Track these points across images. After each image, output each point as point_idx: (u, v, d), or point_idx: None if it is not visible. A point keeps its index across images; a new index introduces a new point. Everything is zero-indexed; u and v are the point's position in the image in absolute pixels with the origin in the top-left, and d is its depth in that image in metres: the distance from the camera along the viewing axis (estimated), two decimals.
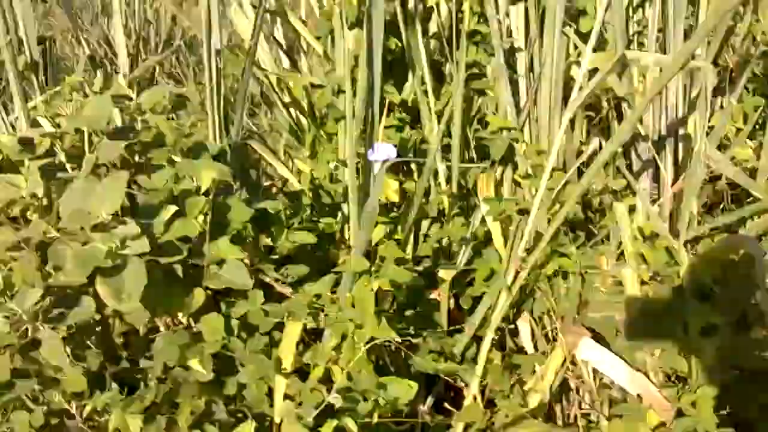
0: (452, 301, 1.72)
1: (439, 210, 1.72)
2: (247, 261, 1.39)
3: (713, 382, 1.20)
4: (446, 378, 1.53)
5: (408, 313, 1.61)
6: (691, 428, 1.18)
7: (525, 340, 1.58)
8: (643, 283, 1.33)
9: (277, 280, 1.44)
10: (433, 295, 1.66)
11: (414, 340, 1.44)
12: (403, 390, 1.33)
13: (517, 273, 1.38)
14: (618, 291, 1.37)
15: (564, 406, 1.54)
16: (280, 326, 1.44)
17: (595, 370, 1.43)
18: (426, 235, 1.78)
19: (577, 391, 1.51)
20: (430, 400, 1.58)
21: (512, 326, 1.62)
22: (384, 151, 1.44)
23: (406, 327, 1.58)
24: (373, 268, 1.35)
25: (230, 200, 1.31)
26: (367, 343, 1.35)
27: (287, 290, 1.43)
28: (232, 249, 1.30)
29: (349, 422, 1.17)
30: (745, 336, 1.41)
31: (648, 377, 1.33)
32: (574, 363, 1.55)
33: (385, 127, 1.78)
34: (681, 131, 1.45)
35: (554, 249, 1.47)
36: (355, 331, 1.36)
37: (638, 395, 1.31)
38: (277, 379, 1.40)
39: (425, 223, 1.75)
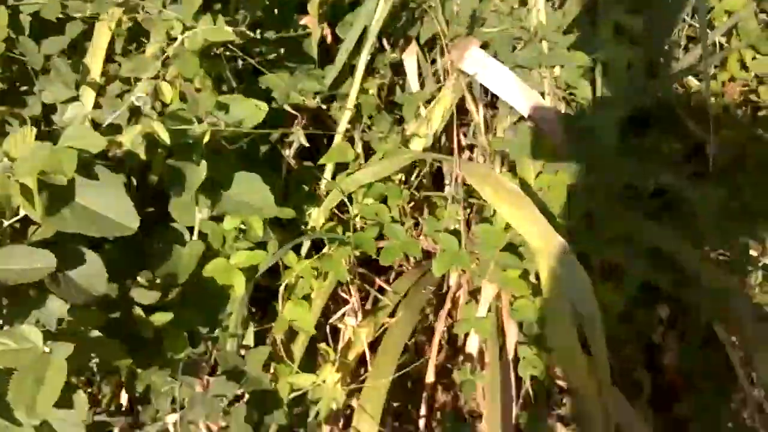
0: (329, 31, 1.40)
1: None
2: None
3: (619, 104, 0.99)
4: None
5: (270, 34, 1.28)
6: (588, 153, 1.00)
7: (411, 77, 1.31)
8: None
9: None
10: (304, 21, 1.33)
11: (270, 57, 1.13)
12: (249, 110, 1.05)
13: None
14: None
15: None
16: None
17: (486, 106, 1.20)
18: None
19: (465, 134, 1.29)
20: (295, 145, 1.32)
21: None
22: None
23: (269, 51, 1.27)
24: None
25: None
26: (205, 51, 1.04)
27: None
28: None
29: (158, 128, 0.88)
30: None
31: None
32: (465, 110, 1.32)
33: None
34: None
35: None
36: (185, 32, 1.02)
37: (530, 118, 1.08)
38: (83, 89, 1.07)
39: None
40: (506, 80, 1.08)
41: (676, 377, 1.29)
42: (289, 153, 1.30)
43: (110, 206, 0.89)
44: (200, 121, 1.03)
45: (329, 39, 1.41)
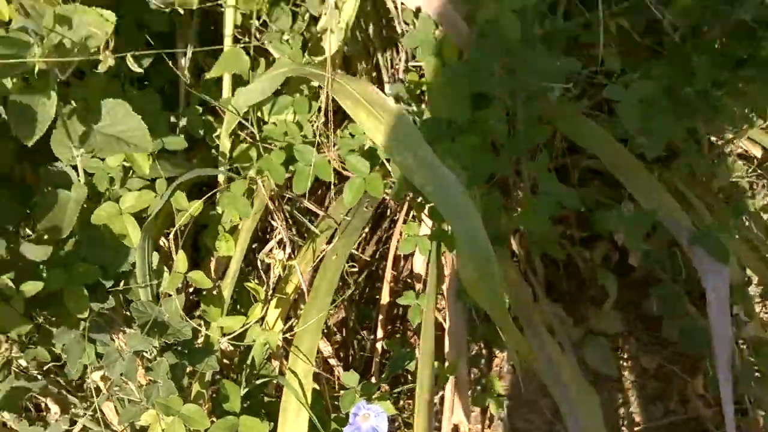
0: None
1: None
2: None
3: None
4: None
5: None
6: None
7: None
8: None
9: None
10: None
11: None
12: (93, 22, 0.86)
13: None
14: None
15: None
16: None
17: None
18: None
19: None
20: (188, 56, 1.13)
21: None
22: None
23: None
24: None
25: None
26: None
27: None
28: None
29: None
30: None
31: None
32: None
33: None
34: None
35: None
36: None
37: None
38: None
39: None
40: None
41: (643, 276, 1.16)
42: (183, 64, 1.11)
43: None
44: (42, 40, 0.86)
45: None
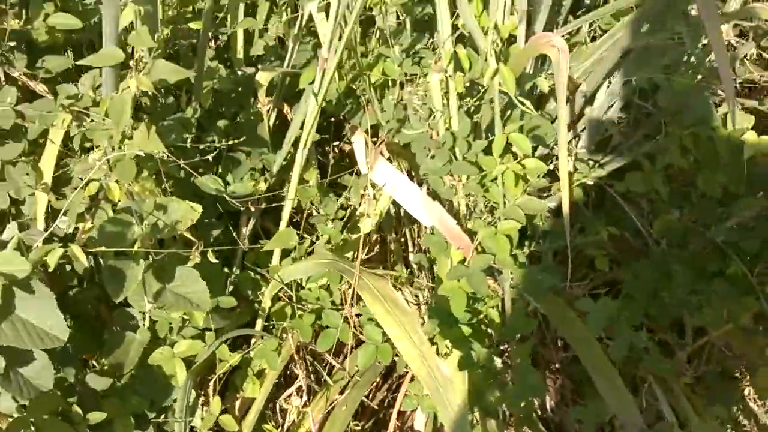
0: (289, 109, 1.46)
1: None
2: None
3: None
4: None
5: (221, 123, 1.35)
6: (487, 264, 1.01)
7: (359, 157, 1.34)
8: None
9: (30, 74, 1.13)
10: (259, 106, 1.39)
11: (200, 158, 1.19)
12: (184, 211, 1.10)
13: (326, 72, 1.10)
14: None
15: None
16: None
17: None
18: (265, 30, 1.47)
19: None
20: (248, 228, 1.38)
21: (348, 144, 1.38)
22: None
23: (219, 140, 1.33)
24: (132, 63, 1.05)
25: None
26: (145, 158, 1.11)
27: (41, 87, 1.13)
28: None
29: (76, 251, 0.95)
30: None
31: (456, 207, 1.14)
32: None
33: None
34: None
35: (380, 53, 1.20)
36: (124, 141, 1.09)
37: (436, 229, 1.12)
38: (37, 195, 1.15)
39: (263, 6, 1.44)
40: (410, 193, 1.12)
41: None
42: (244, 233, 1.36)
43: (44, 318, 0.96)
44: (142, 220, 1.10)
45: (290, 116, 1.47)
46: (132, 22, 1.04)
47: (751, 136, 1.20)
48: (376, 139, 1.29)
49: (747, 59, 1.53)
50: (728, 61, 1.01)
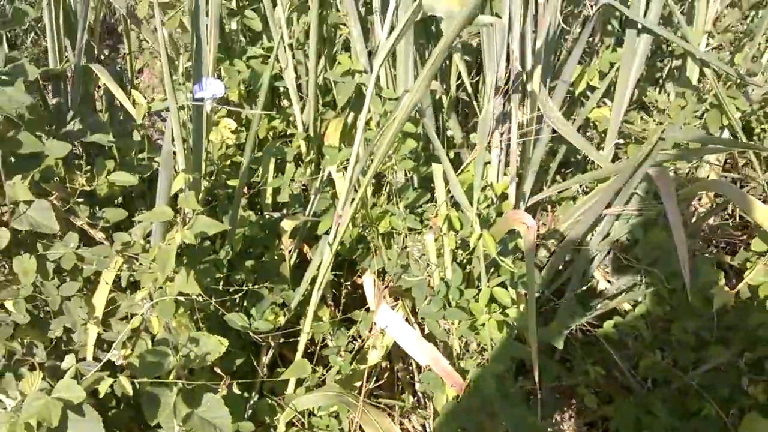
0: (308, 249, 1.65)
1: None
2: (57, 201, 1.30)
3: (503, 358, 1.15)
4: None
5: (249, 263, 1.53)
6: (476, 405, 1.14)
7: (369, 295, 1.51)
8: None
9: (91, 224, 1.34)
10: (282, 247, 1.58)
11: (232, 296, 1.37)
12: (213, 344, 1.27)
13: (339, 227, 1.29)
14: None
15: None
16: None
17: None
18: (292, 180, 1.69)
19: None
20: (268, 357, 1.53)
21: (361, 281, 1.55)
22: (213, 88, 1.31)
23: (246, 278, 1.51)
24: (179, 218, 1.25)
25: (22, 136, 1.20)
26: (182, 295, 1.29)
27: (99, 235, 1.34)
28: (23, 190, 1.19)
29: (124, 382, 1.11)
30: None
31: (451, 346, 1.28)
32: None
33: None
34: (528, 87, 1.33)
35: (387, 209, 1.40)
36: (166, 283, 1.28)
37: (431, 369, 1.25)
38: (89, 327, 1.33)
39: (290, 167, 1.66)
40: (407, 335, 1.27)
41: None
42: (264, 362, 1.51)
43: None
44: (177, 351, 1.26)
45: (309, 255, 1.65)
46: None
47: (719, 289, 1.34)
48: (384, 277, 1.47)
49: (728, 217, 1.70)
50: (686, 252, 1.16)
